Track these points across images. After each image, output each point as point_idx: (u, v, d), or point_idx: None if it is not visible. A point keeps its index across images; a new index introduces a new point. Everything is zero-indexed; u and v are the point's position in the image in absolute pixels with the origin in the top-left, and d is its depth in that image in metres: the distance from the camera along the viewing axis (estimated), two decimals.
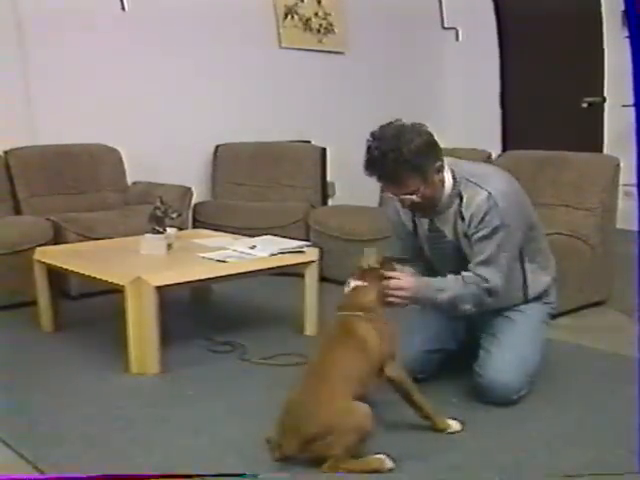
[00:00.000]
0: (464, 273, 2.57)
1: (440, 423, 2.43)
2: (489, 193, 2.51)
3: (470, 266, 2.57)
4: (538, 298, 2.79)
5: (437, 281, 2.61)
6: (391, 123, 2.47)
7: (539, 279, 2.77)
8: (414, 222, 2.77)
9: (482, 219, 2.52)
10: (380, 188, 4.64)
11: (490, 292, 2.55)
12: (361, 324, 2.36)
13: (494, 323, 2.75)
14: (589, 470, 2.16)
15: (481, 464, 2.22)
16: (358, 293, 2.45)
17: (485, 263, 2.54)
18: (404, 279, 2.53)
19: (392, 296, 2.49)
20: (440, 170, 2.53)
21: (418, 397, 2.42)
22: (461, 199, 2.57)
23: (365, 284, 2.45)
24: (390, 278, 2.50)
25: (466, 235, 2.59)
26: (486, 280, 2.53)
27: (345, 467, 2.12)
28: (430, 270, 2.80)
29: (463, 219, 2.58)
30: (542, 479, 2.14)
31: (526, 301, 2.76)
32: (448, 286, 2.57)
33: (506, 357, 2.63)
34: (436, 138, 2.52)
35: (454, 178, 2.59)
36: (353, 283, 2.48)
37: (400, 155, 2.39)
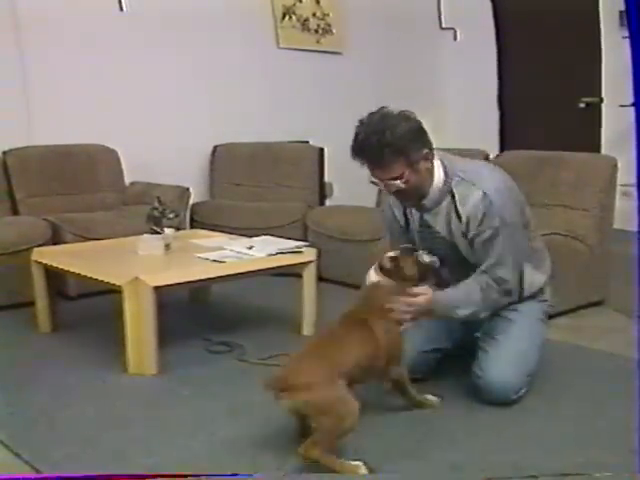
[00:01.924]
0: (478, 278, 2.56)
1: (426, 403, 2.60)
2: (484, 193, 2.50)
3: (482, 270, 2.56)
4: (532, 297, 2.79)
5: (454, 295, 2.58)
6: (378, 110, 2.49)
7: (534, 278, 2.76)
8: (406, 217, 2.76)
9: (481, 221, 2.51)
10: (377, 188, 4.65)
11: (507, 293, 2.58)
12: (376, 321, 2.41)
13: (491, 323, 2.75)
14: (587, 470, 2.15)
15: (479, 464, 2.22)
16: (377, 291, 2.48)
17: (497, 265, 2.54)
18: (421, 297, 2.52)
19: (408, 314, 2.50)
20: (427, 158, 2.51)
21: (411, 391, 2.55)
22: (453, 196, 2.56)
23: (384, 281, 2.49)
24: (411, 294, 2.51)
25: (465, 235, 2.59)
26: (504, 281, 2.55)
27: (319, 457, 2.12)
28: None
29: (460, 218, 2.56)
30: (540, 479, 2.14)
31: (521, 300, 2.75)
32: (466, 299, 2.56)
33: (505, 357, 2.63)
34: (425, 127, 2.52)
35: (445, 173, 2.57)
36: (374, 277, 2.51)
37: (383, 137, 2.40)
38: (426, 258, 2.59)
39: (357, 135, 2.46)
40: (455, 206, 2.56)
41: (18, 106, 4.62)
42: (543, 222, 3.68)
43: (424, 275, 2.59)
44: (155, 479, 2.15)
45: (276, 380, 2.22)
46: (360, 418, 2.43)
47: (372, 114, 2.47)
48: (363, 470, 2.14)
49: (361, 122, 2.48)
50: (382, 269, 2.52)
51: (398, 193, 2.56)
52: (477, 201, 2.51)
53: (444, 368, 2.89)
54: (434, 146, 2.56)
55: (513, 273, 2.58)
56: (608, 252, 3.93)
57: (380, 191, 4.60)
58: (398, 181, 2.48)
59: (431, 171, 2.55)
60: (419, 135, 2.49)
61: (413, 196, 2.60)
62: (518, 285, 2.63)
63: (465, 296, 2.57)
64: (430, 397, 2.63)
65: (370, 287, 2.52)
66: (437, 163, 2.57)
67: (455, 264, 2.66)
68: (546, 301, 2.85)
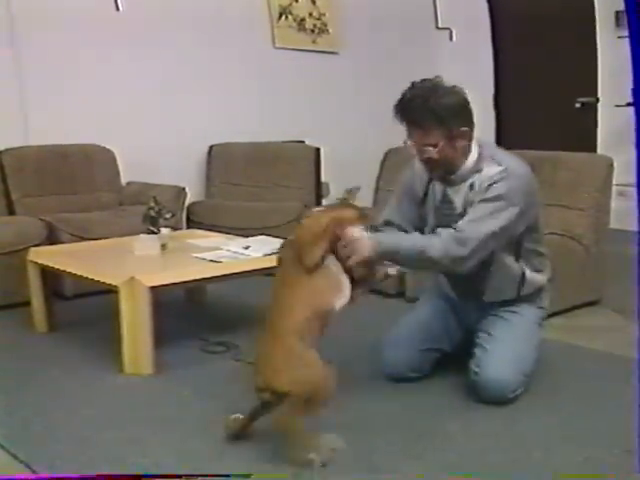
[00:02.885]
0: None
1: None
2: (504, 168, 2.52)
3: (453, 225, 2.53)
4: (531, 301, 2.79)
5: (395, 233, 2.60)
6: (432, 78, 2.53)
7: (534, 278, 2.76)
8: (426, 191, 2.75)
9: (489, 186, 2.51)
10: (377, 179, 4.66)
11: (460, 241, 2.45)
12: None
13: (490, 323, 2.76)
14: (584, 470, 2.16)
15: (477, 463, 2.22)
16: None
17: (469, 220, 2.49)
18: (358, 232, 2.41)
19: (351, 251, 2.37)
20: (465, 136, 2.54)
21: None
22: (480, 174, 2.57)
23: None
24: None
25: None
26: (460, 230, 2.46)
27: (292, 428, 2.15)
28: None
29: (473, 188, 2.57)
30: (538, 478, 2.14)
31: (519, 298, 2.76)
32: (413, 236, 2.56)
33: (503, 355, 2.63)
34: (471, 106, 2.56)
35: (480, 154, 2.59)
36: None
37: (427, 102, 2.45)
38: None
39: (404, 95, 2.51)
40: (475, 180, 2.58)
41: (14, 106, 4.62)
42: None
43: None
44: (151, 479, 2.15)
45: (259, 382, 2.21)
46: (360, 418, 2.45)
47: (424, 80, 2.52)
48: (339, 443, 2.22)
49: (412, 84, 2.52)
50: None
51: (428, 161, 2.58)
52: (496, 174, 2.52)
53: (443, 368, 2.90)
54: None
55: (477, 234, 2.45)
56: (604, 252, 3.93)
57: (378, 190, 4.65)
58: (432, 148, 2.51)
59: (466, 150, 2.57)
60: (463, 112, 2.53)
61: (442, 168, 2.61)
62: (472, 250, 2.45)
63: (412, 235, 2.56)
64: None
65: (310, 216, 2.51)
66: (475, 144, 2.61)
67: None
68: (543, 308, 2.86)
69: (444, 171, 2.63)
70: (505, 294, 2.75)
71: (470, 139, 2.57)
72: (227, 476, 2.15)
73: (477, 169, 2.58)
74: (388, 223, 2.83)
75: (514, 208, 2.51)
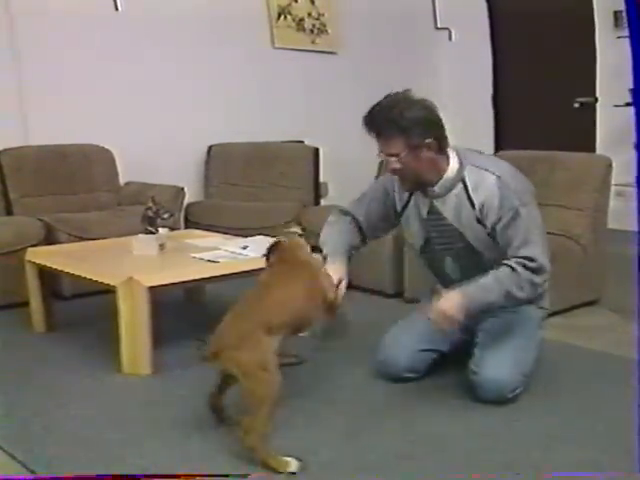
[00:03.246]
0: (506, 263, 2.53)
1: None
2: (497, 176, 2.54)
3: (509, 253, 2.54)
4: (532, 302, 2.78)
5: (477, 285, 2.54)
6: (402, 91, 2.60)
7: None
8: (406, 204, 2.77)
9: (500, 206, 2.52)
10: (375, 179, 4.64)
11: (538, 270, 2.52)
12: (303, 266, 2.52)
13: (489, 323, 2.76)
14: (583, 470, 2.16)
15: (476, 463, 2.22)
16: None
17: (523, 245, 2.52)
18: (447, 302, 2.51)
19: (441, 320, 2.51)
20: (431, 148, 2.55)
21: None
22: (464, 184, 2.59)
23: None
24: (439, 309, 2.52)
25: (479, 221, 2.58)
26: (531, 259, 2.51)
27: (256, 445, 2.17)
28: (430, 262, 2.85)
29: (473, 205, 2.58)
30: (535, 478, 2.14)
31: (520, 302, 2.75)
32: (494, 283, 2.53)
33: (501, 355, 2.63)
34: (442, 121, 2.60)
35: (460, 163, 2.62)
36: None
37: (390, 113, 2.51)
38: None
39: (372, 106, 2.57)
40: (467, 193, 2.59)
41: (13, 106, 4.61)
42: None
43: None
44: (150, 479, 2.15)
45: (208, 346, 2.30)
46: (358, 418, 2.45)
47: (396, 92, 2.59)
48: (293, 466, 2.17)
49: (385, 96, 2.59)
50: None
51: (394, 172, 2.62)
52: (491, 185, 2.54)
53: (441, 368, 2.90)
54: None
55: (541, 251, 2.53)
56: (603, 252, 3.93)
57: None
58: (394, 158, 2.55)
59: (436, 162, 2.59)
60: (428, 123, 2.55)
61: (410, 181, 2.65)
62: (549, 263, 2.56)
63: (494, 281, 2.53)
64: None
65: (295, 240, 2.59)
66: (453, 154, 2.63)
67: (460, 254, 2.67)
68: (543, 308, 2.86)
69: (414, 184, 2.66)
70: None
71: (438, 151, 2.58)
72: (226, 476, 2.15)
73: (460, 178, 2.60)
74: (349, 215, 2.90)
75: (533, 205, 2.59)
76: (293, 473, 2.15)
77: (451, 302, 2.50)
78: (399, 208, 2.81)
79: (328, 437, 2.42)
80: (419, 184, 2.66)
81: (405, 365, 2.82)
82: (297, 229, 2.68)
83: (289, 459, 2.18)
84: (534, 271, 2.52)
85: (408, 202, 2.78)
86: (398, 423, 2.52)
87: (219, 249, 3.49)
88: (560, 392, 2.77)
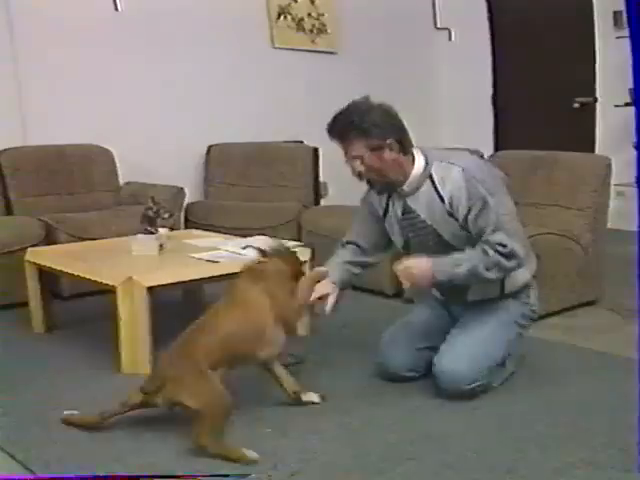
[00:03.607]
0: (478, 246, 2.56)
1: (302, 399, 2.64)
2: (462, 168, 2.58)
3: (482, 239, 2.56)
4: (516, 297, 2.79)
5: (450, 257, 2.60)
6: (361, 98, 2.66)
7: (517, 274, 2.73)
8: (386, 208, 2.80)
9: (468, 197, 2.55)
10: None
11: (510, 255, 2.54)
12: (258, 296, 2.51)
13: (466, 319, 2.79)
14: (582, 469, 2.16)
15: (473, 463, 2.22)
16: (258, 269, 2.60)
17: (495, 231, 2.54)
18: (414, 262, 2.60)
19: (406, 277, 2.60)
20: (392, 148, 2.59)
21: (285, 378, 2.65)
22: (432, 180, 2.63)
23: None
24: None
25: (451, 215, 2.61)
26: (503, 245, 2.52)
27: (209, 445, 2.22)
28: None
29: (442, 199, 2.61)
30: (534, 478, 2.14)
31: (503, 296, 2.76)
32: (464, 258, 2.57)
33: (461, 349, 2.67)
34: (404, 123, 2.66)
35: (426, 160, 2.66)
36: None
37: (348, 117, 2.60)
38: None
39: (335, 114, 2.64)
40: (435, 188, 2.62)
41: (12, 106, 4.61)
42: (537, 221, 3.70)
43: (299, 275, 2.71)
44: (150, 479, 2.15)
45: (149, 380, 2.36)
46: (357, 418, 2.45)
47: (356, 99, 2.66)
48: (253, 455, 2.22)
49: (347, 105, 2.65)
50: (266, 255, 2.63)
51: (361, 176, 2.68)
52: (457, 177, 2.58)
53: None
54: (417, 144, 2.70)
55: (514, 238, 2.55)
56: (602, 252, 3.93)
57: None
58: (358, 161, 2.62)
59: (401, 161, 2.63)
60: (388, 124, 2.61)
61: (377, 182, 2.72)
62: (522, 250, 2.58)
63: (465, 256, 2.58)
64: (312, 395, 2.66)
65: (249, 267, 2.62)
66: (418, 153, 2.68)
67: (438, 251, 2.68)
68: (530, 305, 2.83)
69: (383, 184, 2.72)
70: (488, 292, 2.76)
71: (401, 151, 2.62)
72: (227, 476, 2.15)
73: (427, 174, 2.64)
74: (350, 243, 2.93)
75: (502, 193, 2.61)
76: (253, 461, 2.21)
77: (419, 263, 2.60)
78: (381, 214, 2.84)
79: (328, 437, 2.42)
80: (387, 184, 2.71)
81: (404, 364, 2.83)
82: (291, 244, 2.73)
83: (246, 450, 2.24)
84: (505, 256, 2.54)
85: (387, 206, 2.80)
86: (398, 423, 2.52)
87: (219, 249, 3.49)
88: (559, 392, 2.77)
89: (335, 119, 2.64)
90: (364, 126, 2.57)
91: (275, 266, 2.59)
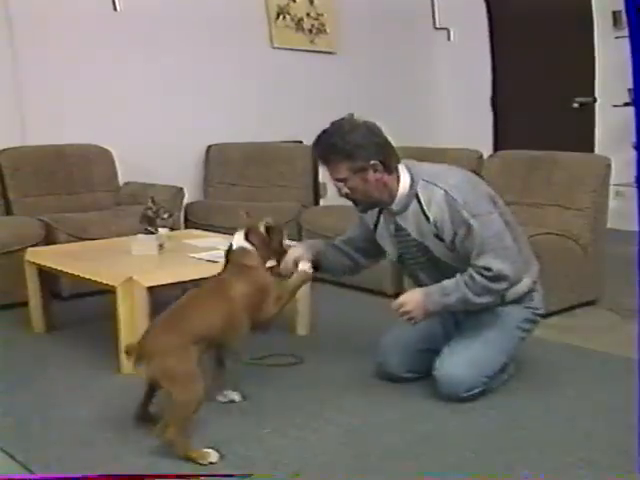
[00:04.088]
0: (468, 270, 2.55)
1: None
2: (444, 191, 2.55)
3: (470, 262, 2.55)
4: (519, 301, 2.77)
5: (439, 287, 2.60)
6: (345, 117, 2.63)
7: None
8: (376, 222, 2.81)
9: (452, 221, 2.54)
10: None
11: (496, 279, 2.52)
12: (236, 283, 2.54)
13: (468, 323, 2.78)
14: (582, 469, 2.16)
15: (475, 464, 2.22)
16: (244, 255, 2.62)
17: (479, 255, 2.53)
18: (407, 298, 2.62)
19: (402, 316, 2.62)
20: (376, 169, 2.57)
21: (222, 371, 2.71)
22: (419, 199, 2.61)
23: (250, 248, 2.63)
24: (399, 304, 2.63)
25: (438, 237, 2.60)
26: (487, 268, 2.51)
27: (174, 438, 2.22)
28: (408, 275, 2.94)
29: (428, 220, 2.60)
30: (535, 478, 2.14)
31: (504, 302, 2.73)
32: (452, 287, 2.57)
33: (461, 354, 2.66)
34: (389, 140, 2.63)
35: (412, 179, 2.63)
36: (241, 242, 2.65)
37: (331, 139, 2.56)
38: (286, 241, 2.80)
39: (319, 133, 2.62)
40: (422, 208, 2.61)
41: (11, 106, 4.61)
42: (536, 222, 3.71)
43: (283, 252, 2.75)
44: (148, 479, 2.15)
45: (134, 347, 2.36)
46: (357, 418, 2.44)
47: (340, 119, 2.61)
48: (214, 457, 2.22)
49: (331, 123, 2.62)
50: (249, 236, 2.65)
51: (348, 197, 2.67)
52: (440, 201, 2.55)
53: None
54: (404, 157, 2.68)
55: (499, 260, 2.51)
56: (602, 252, 3.93)
57: None
58: (342, 184, 2.61)
59: (386, 182, 2.61)
60: (372, 146, 2.56)
61: (363, 203, 2.71)
62: (511, 270, 2.54)
63: (454, 285, 2.57)
64: (233, 394, 2.71)
65: (237, 251, 2.63)
66: (403, 170, 2.64)
67: (431, 267, 2.70)
68: (534, 308, 2.81)
69: (368, 204, 2.72)
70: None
71: (386, 171, 2.60)
72: (227, 476, 2.15)
73: (414, 193, 2.62)
74: (350, 240, 2.97)
75: (487, 213, 2.56)
76: (213, 463, 2.21)
77: (412, 298, 2.62)
78: (372, 226, 2.84)
79: (328, 437, 2.42)
80: (373, 204, 2.71)
81: (404, 366, 2.83)
82: (269, 219, 2.72)
83: (209, 450, 2.24)
84: (490, 279, 2.53)
85: (378, 219, 2.81)
86: (398, 423, 2.52)
87: (218, 249, 3.48)
88: (559, 392, 2.77)
89: (318, 140, 2.62)
90: (347, 148, 2.53)
91: (257, 261, 2.63)
